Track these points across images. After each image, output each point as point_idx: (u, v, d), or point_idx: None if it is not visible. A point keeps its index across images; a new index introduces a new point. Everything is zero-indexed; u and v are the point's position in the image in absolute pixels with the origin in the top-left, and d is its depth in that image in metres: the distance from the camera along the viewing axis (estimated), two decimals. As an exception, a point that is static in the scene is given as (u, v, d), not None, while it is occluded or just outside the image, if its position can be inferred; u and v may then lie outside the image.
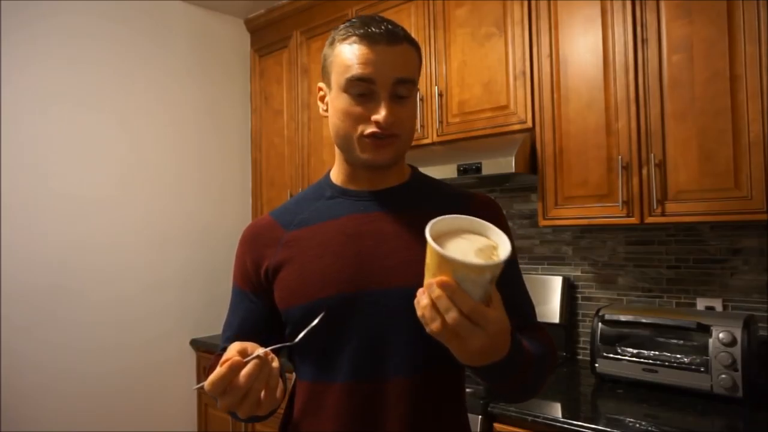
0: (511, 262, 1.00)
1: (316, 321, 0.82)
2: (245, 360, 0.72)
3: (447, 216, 0.72)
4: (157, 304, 2.79)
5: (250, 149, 3.22)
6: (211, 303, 2.97)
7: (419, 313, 0.68)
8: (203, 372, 2.87)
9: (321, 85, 0.96)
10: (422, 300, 0.67)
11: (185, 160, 2.93)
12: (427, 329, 0.68)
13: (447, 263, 0.64)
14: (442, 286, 0.65)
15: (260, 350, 0.74)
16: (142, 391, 2.70)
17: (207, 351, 2.82)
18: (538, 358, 0.86)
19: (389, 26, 0.88)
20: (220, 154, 3.10)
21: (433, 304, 0.66)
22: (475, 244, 0.69)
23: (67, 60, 2.50)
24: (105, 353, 2.57)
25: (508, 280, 0.99)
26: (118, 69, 2.67)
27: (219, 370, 0.71)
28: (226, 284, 2.96)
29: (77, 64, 2.53)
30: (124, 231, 2.67)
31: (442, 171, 2.04)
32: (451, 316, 0.65)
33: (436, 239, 0.67)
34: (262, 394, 0.74)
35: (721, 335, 1.62)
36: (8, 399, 2.27)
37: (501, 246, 0.69)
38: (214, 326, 2.94)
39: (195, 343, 2.91)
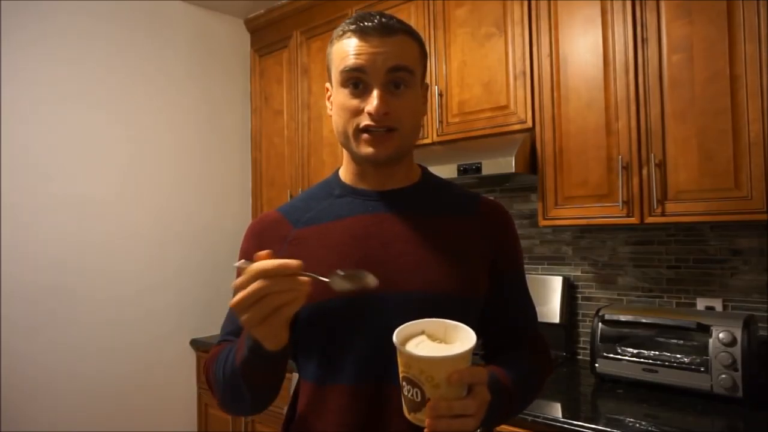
0: (518, 271, 1.01)
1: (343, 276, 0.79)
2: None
3: (409, 323, 0.75)
4: (157, 304, 2.79)
5: (250, 149, 3.22)
6: (211, 303, 2.97)
7: None
8: (203, 371, 2.87)
9: (327, 85, 0.96)
10: None
11: (185, 160, 2.93)
12: None
13: (420, 363, 0.68)
14: (438, 412, 0.69)
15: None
16: (143, 391, 2.70)
17: (207, 351, 2.82)
18: (522, 386, 0.90)
19: (383, 19, 0.88)
20: (220, 154, 3.10)
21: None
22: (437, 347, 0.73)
23: (66, 60, 2.50)
24: (105, 353, 2.57)
25: (514, 289, 1.01)
26: (118, 69, 2.67)
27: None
28: (226, 284, 2.97)
29: (77, 64, 2.53)
30: (124, 231, 2.67)
31: (442, 171, 2.04)
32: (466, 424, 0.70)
33: (403, 344, 0.71)
34: (285, 312, 0.70)
35: (721, 335, 1.62)
36: (8, 399, 2.27)
37: (463, 340, 0.73)
38: (214, 326, 2.94)
39: (195, 344, 2.91)
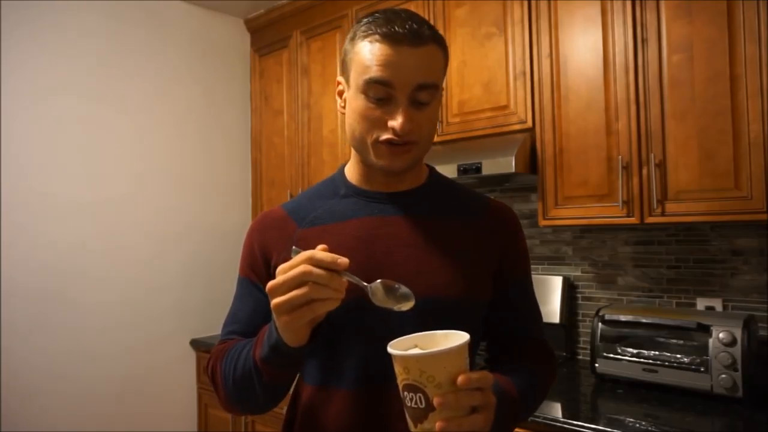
0: (524, 277, 1.01)
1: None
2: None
3: (400, 338, 0.73)
4: (157, 304, 2.79)
5: (250, 149, 3.22)
6: (211, 303, 2.97)
7: None
8: (203, 372, 2.87)
9: (340, 79, 0.91)
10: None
11: (185, 160, 2.93)
12: None
13: (419, 362, 0.67)
14: (447, 409, 0.66)
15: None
16: (143, 391, 2.70)
17: (207, 351, 2.82)
18: (526, 394, 0.88)
19: (414, 25, 0.82)
20: (220, 154, 3.10)
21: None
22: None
23: (66, 60, 2.50)
24: (105, 354, 2.57)
25: (520, 294, 1.00)
26: (118, 69, 2.67)
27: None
28: (226, 284, 2.96)
29: (77, 63, 2.53)
30: (124, 231, 2.67)
31: (442, 171, 2.01)
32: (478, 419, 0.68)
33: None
34: (316, 308, 0.69)
35: (721, 335, 1.62)
36: (9, 401, 2.27)
37: (455, 341, 0.72)
38: (214, 326, 2.94)
39: (195, 344, 2.91)
